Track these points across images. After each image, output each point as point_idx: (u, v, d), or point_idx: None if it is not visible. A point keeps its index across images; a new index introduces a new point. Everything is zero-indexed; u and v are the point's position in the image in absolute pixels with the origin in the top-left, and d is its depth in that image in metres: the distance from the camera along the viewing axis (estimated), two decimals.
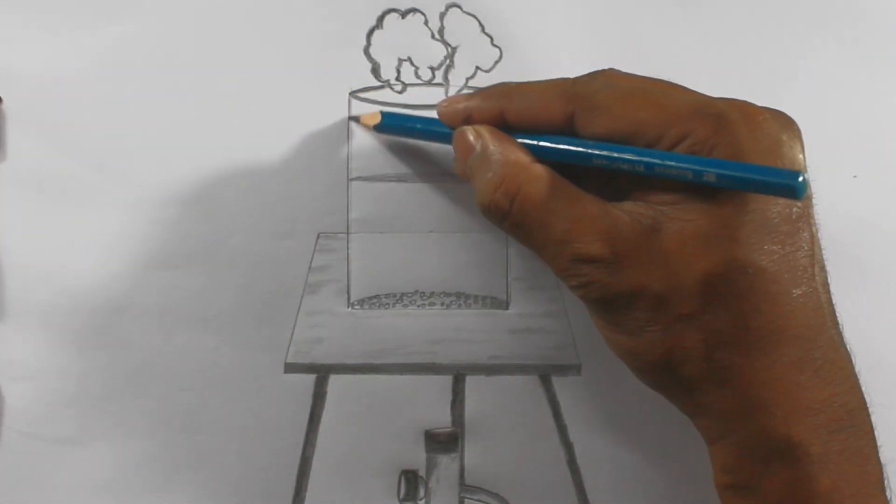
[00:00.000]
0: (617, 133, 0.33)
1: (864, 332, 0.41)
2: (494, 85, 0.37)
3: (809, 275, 0.32)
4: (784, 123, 0.33)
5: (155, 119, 0.41)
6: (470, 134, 0.36)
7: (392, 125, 0.40)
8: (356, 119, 0.41)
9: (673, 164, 0.31)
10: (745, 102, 0.33)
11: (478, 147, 0.35)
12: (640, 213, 0.32)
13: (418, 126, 0.40)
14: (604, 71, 0.35)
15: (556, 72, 0.41)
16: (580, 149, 0.34)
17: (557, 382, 0.41)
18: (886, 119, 0.42)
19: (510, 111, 0.36)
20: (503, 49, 0.42)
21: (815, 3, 0.43)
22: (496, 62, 0.42)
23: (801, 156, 0.33)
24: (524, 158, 0.34)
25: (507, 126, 0.36)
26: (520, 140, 0.35)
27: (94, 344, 0.41)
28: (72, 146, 0.41)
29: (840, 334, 0.33)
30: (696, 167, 0.31)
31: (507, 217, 0.34)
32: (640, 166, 0.32)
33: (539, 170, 0.34)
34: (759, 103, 0.42)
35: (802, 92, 0.42)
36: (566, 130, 0.34)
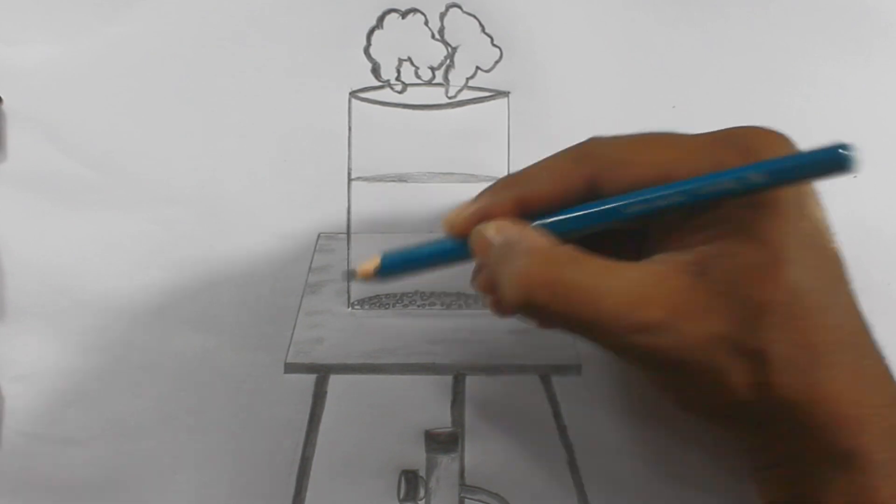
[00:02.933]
0: (647, 182, 0.31)
1: None
2: (498, 181, 0.35)
3: (845, 281, 0.32)
4: (787, 141, 0.32)
5: (155, 119, 0.41)
6: (487, 230, 0.33)
7: (395, 263, 0.35)
8: (353, 277, 0.36)
9: (719, 180, 0.30)
10: (755, 127, 0.32)
11: (498, 240, 0.32)
12: (682, 261, 0.31)
13: (425, 252, 0.35)
14: (591, 138, 0.34)
15: (555, 72, 0.42)
16: (612, 205, 0.32)
17: (557, 382, 0.41)
18: (886, 119, 0.42)
19: (524, 197, 0.33)
20: (503, 49, 0.42)
21: (816, 4, 0.43)
22: (496, 62, 0.42)
23: None
24: (549, 241, 0.32)
25: (524, 216, 0.33)
26: (541, 222, 0.33)
27: (94, 344, 0.41)
28: (72, 146, 0.41)
29: (874, 337, 0.32)
30: (743, 174, 0.30)
31: (544, 308, 0.31)
32: (680, 196, 0.30)
33: (567, 249, 0.31)
34: (760, 103, 0.42)
35: (803, 92, 0.42)
36: (586, 199, 0.32)
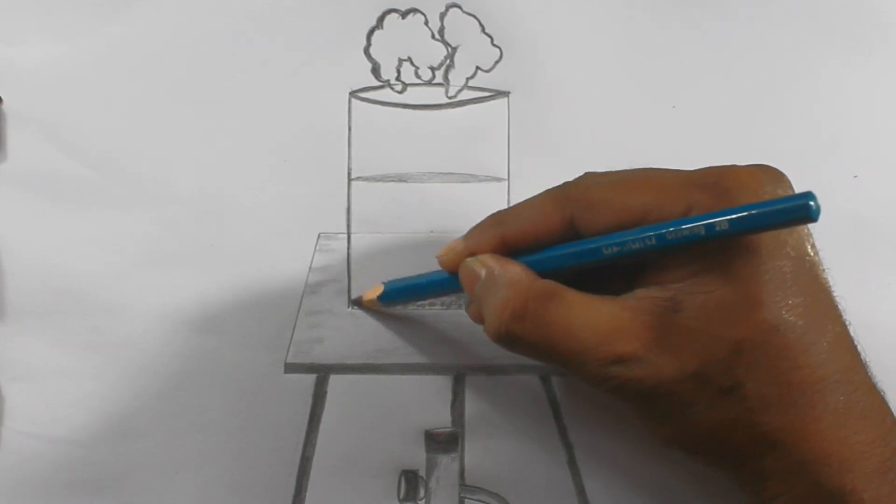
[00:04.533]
0: (621, 223, 0.32)
1: (864, 333, 0.41)
2: (486, 218, 0.36)
3: (834, 318, 0.32)
4: (774, 177, 0.32)
5: (155, 119, 0.41)
6: (474, 264, 0.35)
7: (396, 292, 0.40)
8: (358, 303, 0.41)
9: (684, 226, 0.31)
10: (732, 167, 0.32)
11: (482, 274, 0.34)
12: (656, 297, 0.32)
13: (423, 283, 0.39)
14: (584, 174, 0.34)
15: (555, 72, 0.42)
16: (589, 246, 0.33)
17: (557, 382, 0.41)
18: (886, 119, 0.42)
19: (508, 235, 0.35)
20: (503, 49, 0.42)
21: (816, 4, 0.43)
22: (496, 62, 0.42)
23: None
24: (528, 275, 0.33)
25: (509, 252, 0.35)
26: (524, 259, 0.35)
27: (94, 344, 0.41)
28: (72, 146, 0.41)
29: (870, 372, 0.33)
30: (708, 221, 0.30)
31: (522, 339, 0.33)
32: (651, 240, 0.31)
33: (545, 283, 0.33)
34: (760, 103, 0.42)
35: (803, 92, 0.42)
36: (567, 237, 0.34)
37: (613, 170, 0.34)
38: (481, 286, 0.34)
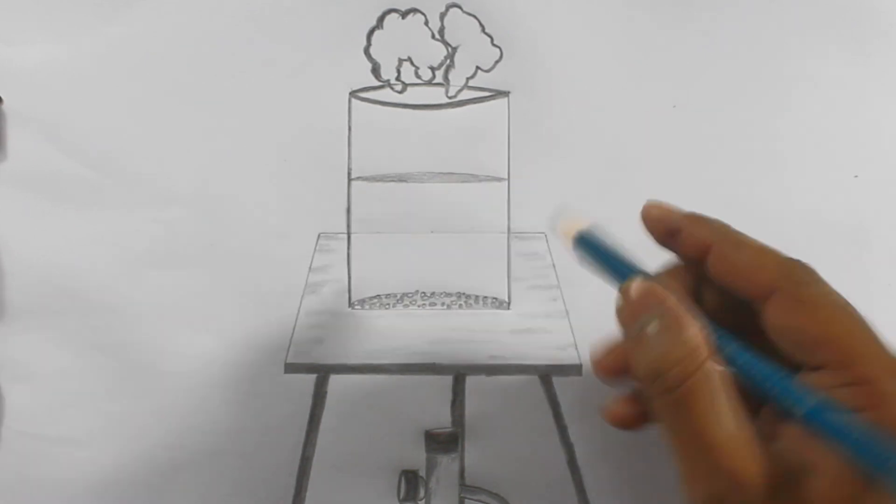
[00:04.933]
0: (796, 339, 0.29)
1: None
2: (712, 219, 0.32)
3: None
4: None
5: (155, 119, 0.41)
6: (642, 293, 0.31)
7: (591, 244, 0.33)
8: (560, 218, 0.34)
9: (824, 422, 0.28)
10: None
11: (659, 310, 0.30)
12: (794, 446, 0.28)
13: (617, 261, 0.32)
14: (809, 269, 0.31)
15: (555, 72, 0.42)
16: (756, 377, 0.29)
17: (557, 382, 0.41)
18: (886, 119, 0.42)
19: (720, 254, 0.31)
20: (503, 49, 0.42)
21: (817, 4, 0.43)
22: (496, 62, 0.42)
23: None
24: (705, 351, 0.29)
25: (703, 266, 0.32)
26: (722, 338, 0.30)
27: (94, 344, 0.41)
28: (72, 146, 0.41)
29: None
30: (835, 433, 0.27)
31: (668, 395, 0.29)
32: (797, 410, 0.28)
33: (717, 369, 0.29)
34: (760, 103, 0.42)
35: (804, 92, 0.42)
36: (757, 303, 0.30)
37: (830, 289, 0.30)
38: (656, 322, 0.30)
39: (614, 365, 0.33)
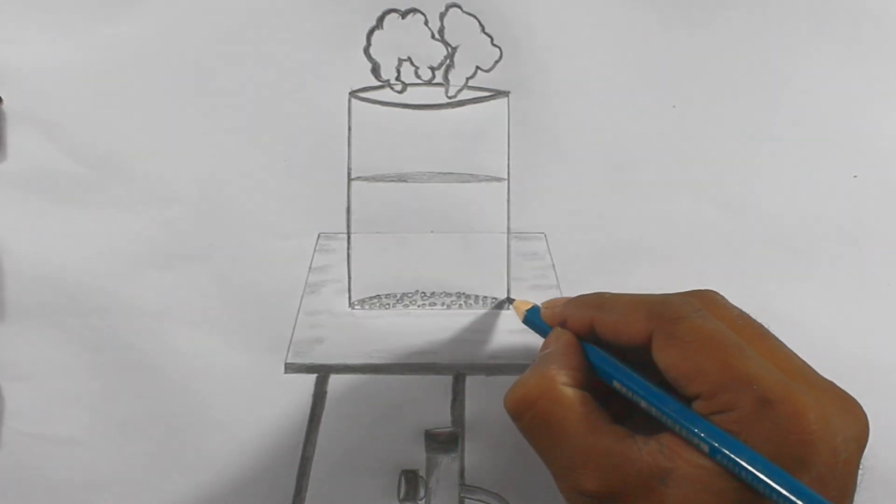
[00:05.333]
0: (673, 375, 0.31)
1: (863, 333, 0.41)
2: (590, 295, 0.36)
3: None
4: (850, 423, 0.30)
5: (155, 119, 0.41)
6: (552, 336, 0.36)
7: (534, 318, 0.38)
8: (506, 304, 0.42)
9: (697, 432, 0.29)
10: (814, 394, 0.30)
11: (549, 348, 0.35)
12: (655, 454, 0.30)
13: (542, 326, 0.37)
14: (704, 294, 0.33)
15: (555, 72, 0.42)
16: (628, 387, 0.32)
17: None
18: (886, 119, 0.42)
19: (599, 321, 0.34)
20: (503, 49, 0.42)
21: (816, 4, 0.43)
22: (496, 62, 0.42)
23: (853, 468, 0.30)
24: (560, 378, 0.33)
25: (596, 336, 0.34)
26: (602, 356, 0.34)
27: (94, 344, 0.41)
28: (72, 146, 0.41)
29: None
30: (716, 444, 0.29)
31: (517, 422, 0.34)
32: (673, 424, 0.30)
33: (567, 393, 0.33)
34: (760, 103, 0.42)
35: (803, 92, 0.42)
36: (646, 348, 0.32)
37: (735, 311, 0.33)
38: (540, 356, 0.35)
39: None
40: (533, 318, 0.38)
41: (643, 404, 0.32)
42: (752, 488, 0.28)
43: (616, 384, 0.33)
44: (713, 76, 0.42)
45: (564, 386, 0.33)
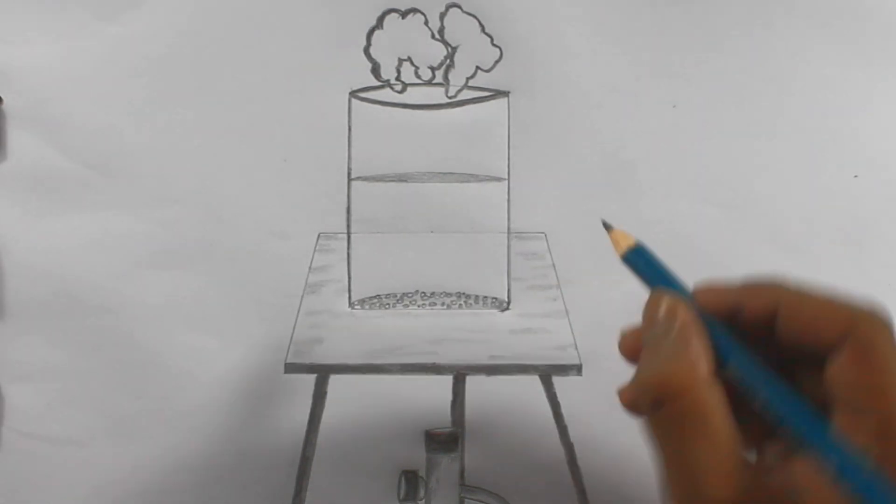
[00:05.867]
0: (859, 384, 0.28)
1: None
2: (768, 280, 0.31)
3: None
4: None
5: (155, 119, 0.41)
6: (681, 307, 0.30)
7: (640, 259, 0.32)
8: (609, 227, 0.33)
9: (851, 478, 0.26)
10: None
11: (664, 327, 0.30)
12: (783, 481, 0.27)
13: (661, 275, 0.31)
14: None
15: (555, 72, 0.42)
16: (770, 399, 0.28)
17: (557, 382, 0.41)
18: (886, 119, 0.42)
19: (788, 315, 0.30)
20: (503, 49, 0.42)
21: (816, 4, 0.43)
22: (496, 62, 0.42)
23: None
24: (706, 365, 0.28)
25: (770, 331, 0.30)
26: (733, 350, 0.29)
27: (94, 344, 0.41)
28: (72, 146, 0.41)
29: None
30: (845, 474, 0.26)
31: (649, 411, 0.29)
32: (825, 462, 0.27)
33: (715, 385, 0.28)
34: (760, 103, 0.42)
35: (803, 92, 0.42)
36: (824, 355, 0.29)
37: None
38: (655, 335, 0.30)
39: (635, 345, 0.31)
40: (635, 260, 0.32)
41: (799, 434, 0.28)
42: None
43: (743, 379, 0.29)
44: (713, 76, 0.42)
45: (709, 383, 0.28)
